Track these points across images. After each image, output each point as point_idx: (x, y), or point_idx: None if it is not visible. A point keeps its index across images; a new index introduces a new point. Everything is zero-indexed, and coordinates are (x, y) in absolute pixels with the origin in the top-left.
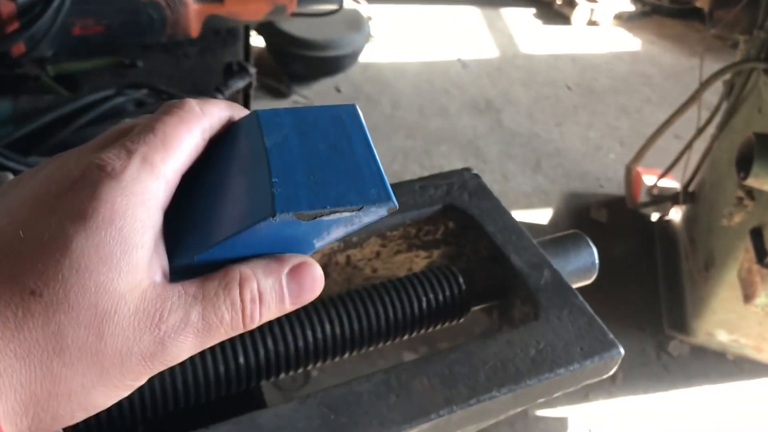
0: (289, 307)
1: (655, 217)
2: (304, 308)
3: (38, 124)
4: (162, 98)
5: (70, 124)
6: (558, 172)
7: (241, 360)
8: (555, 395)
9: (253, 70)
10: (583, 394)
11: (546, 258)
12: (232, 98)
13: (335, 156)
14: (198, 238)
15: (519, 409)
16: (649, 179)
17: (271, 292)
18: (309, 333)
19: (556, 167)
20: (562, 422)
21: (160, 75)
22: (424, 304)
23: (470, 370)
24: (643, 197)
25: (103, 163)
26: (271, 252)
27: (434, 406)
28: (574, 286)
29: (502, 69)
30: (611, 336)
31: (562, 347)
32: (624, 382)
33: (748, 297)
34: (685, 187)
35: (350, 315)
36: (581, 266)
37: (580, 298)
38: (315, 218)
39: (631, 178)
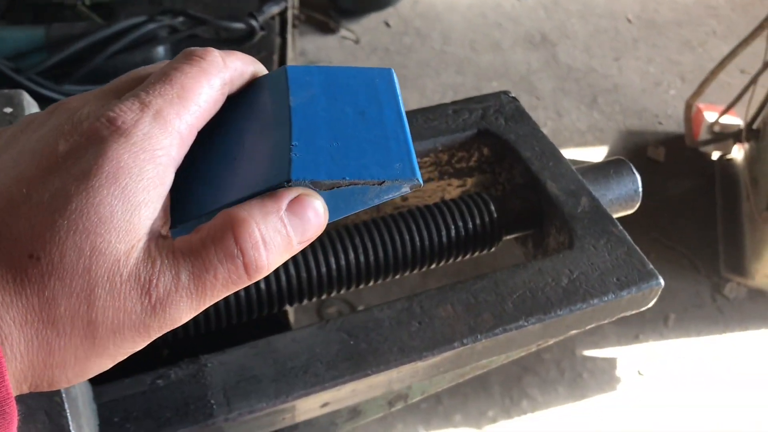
0: (296, 247)
1: (715, 155)
2: (328, 234)
3: (71, 52)
4: (196, 24)
5: (102, 51)
6: (615, 109)
7: (262, 285)
8: (588, 327)
9: None
10: (634, 335)
11: (584, 185)
12: (268, 25)
13: (362, 123)
14: (209, 198)
15: (552, 341)
16: (710, 116)
17: (274, 234)
18: (332, 260)
19: (613, 104)
20: (610, 362)
21: (195, 1)
22: (453, 232)
23: (497, 299)
24: (703, 135)
25: (115, 116)
26: None
27: (458, 335)
28: (616, 215)
29: (558, 1)
30: (650, 266)
31: (597, 277)
32: (676, 324)
33: None
34: (749, 124)
35: (375, 241)
36: (623, 194)
37: (620, 227)
38: (332, 188)
39: (691, 114)
